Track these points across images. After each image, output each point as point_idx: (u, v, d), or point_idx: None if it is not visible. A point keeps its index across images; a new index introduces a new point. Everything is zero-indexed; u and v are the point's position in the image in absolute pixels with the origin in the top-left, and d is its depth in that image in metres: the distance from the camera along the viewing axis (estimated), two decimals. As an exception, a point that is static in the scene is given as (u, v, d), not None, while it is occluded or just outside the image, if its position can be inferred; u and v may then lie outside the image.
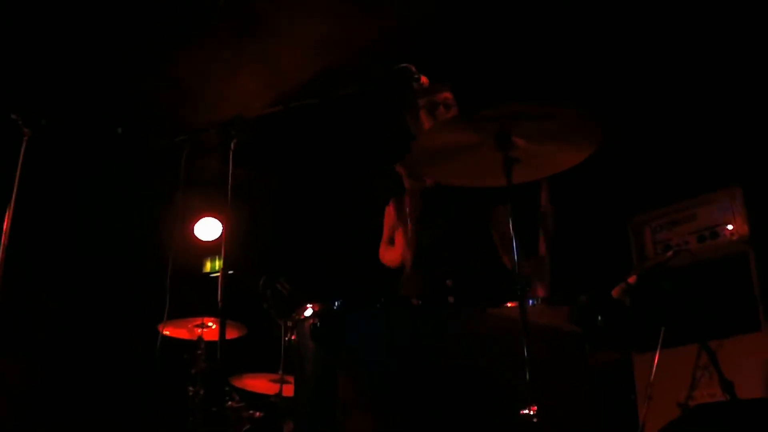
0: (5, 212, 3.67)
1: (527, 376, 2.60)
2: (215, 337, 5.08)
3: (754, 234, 4.85)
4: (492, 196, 3.93)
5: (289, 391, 4.33)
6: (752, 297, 4.71)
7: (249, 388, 4.94)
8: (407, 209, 3.94)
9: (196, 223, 7.03)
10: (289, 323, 3.63)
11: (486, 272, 3.66)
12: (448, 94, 3.98)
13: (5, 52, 5.68)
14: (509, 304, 3.00)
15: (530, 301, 2.93)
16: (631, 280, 3.96)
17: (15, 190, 3.72)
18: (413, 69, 3.27)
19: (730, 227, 4.99)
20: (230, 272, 3.42)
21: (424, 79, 3.31)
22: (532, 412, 2.58)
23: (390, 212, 4.14)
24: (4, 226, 3.64)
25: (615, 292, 3.96)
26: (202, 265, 6.96)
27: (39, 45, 5.70)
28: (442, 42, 5.21)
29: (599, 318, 2.97)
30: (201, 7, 5.33)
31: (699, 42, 5.04)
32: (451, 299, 3.46)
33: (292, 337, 3.54)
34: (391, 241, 4.08)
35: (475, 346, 2.88)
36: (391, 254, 4.06)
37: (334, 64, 5.11)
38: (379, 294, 3.13)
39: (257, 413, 4.49)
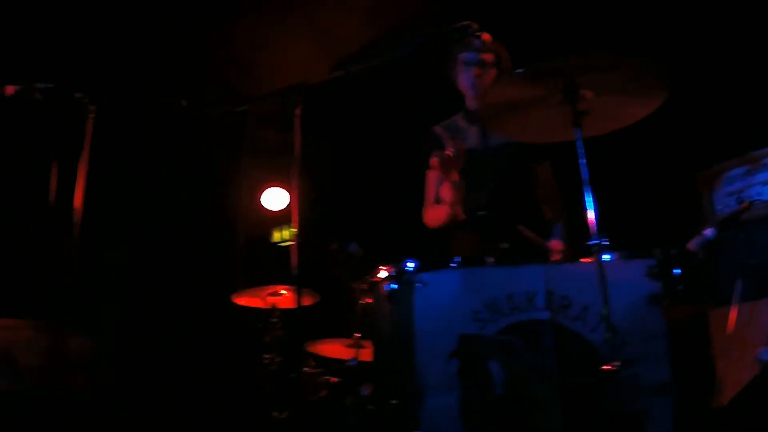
0: (76, 189, 3.75)
1: (606, 333, 2.61)
2: (288, 304, 5.14)
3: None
4: (534, 152, 3.94)
5: (365, 355, 4.36)
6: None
7: (325, 354, 4.98)
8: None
9: (261, 192, 7.08)
10: (364, 286, 3.67)
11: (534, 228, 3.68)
12: (490, 56, 3.96)
13: (66, 34, 5.79)
14: (584, 260, 2.99)
15: (607, 256, 2.90)
16: (707, 232, 3.91)
17: (84, 166, 3.79)
18: (475, 26, 3.22)
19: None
20: (300, 241, 3.44)
21: (486, 36, 3.27)
22: (612, 368, 2.59)
23: (431, 176, 4.13)
24: (76, 203, 3.72)
25: (690, 246, 3.91)
26: (270, 235, 7.02)
27: (98, 24, 5.78)
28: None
29: (675, 272, 2.95)
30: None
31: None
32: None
33: (367, 301, 3.57)
34: (438, 202, 4.07)
35: (554, 303, 2.90)
36: (437, 212, 4.06)
37: (388, 28, 5.08)
38: (444, 254, 3.15)
39: (334, 378, 4.53)
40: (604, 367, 2.59)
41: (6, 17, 5.72)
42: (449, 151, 3.67)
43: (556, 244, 3.87)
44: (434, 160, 3.78)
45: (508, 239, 3.51)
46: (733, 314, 4.34)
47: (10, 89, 3.97)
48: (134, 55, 5.95)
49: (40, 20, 5.79)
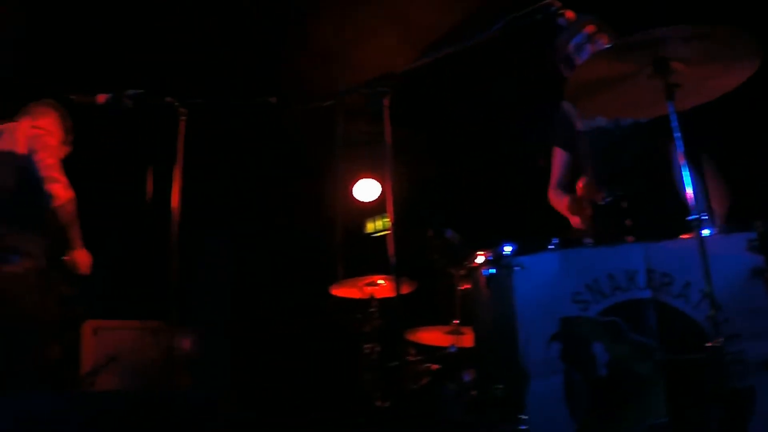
0: (173, 192, 3.86)
1: (710, 309, 2.57)
2: (386, 294, 5.18)
3: None
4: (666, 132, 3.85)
5: (465, 341, 4.38)
6: None
7: (424, 342, 5.01)
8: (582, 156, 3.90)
9: (354, 184, 7.15)
10: (462, 272, 3.69)
11: (667, 205, 3.58)
12: (591, 27, 3.89)
13: (156, 43, 5.96)
14: (684, 236, 2.94)
15: (708, 231, 2.84)
16: None
17: (179, 169, 3.90)
18: (557, 3, 3.18)
19: None
20: (396, 230, 3.46)
21: (569, 14, 3.20)
22: (717, 345, 2.54)
23: (558, 154, 4.10)
24: (173, 203, 3.83)
25: None
26: (363, 226, 7.08)
27: (183, 28, 5.93)
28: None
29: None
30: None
31: None
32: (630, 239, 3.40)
33: (466, 287, 3.59)
34: (562, 186, 4.03)
35: (655, 281, 2.86)
36: (558, 204, 4.05)
37: (471, 11, 5.05)
38: (549, 236, 3.13)
39: (434, 366, 4.54)
40: (709, 344, 2.54)
41: (94, 27, 5.93)
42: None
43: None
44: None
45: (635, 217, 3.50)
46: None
47: (101, 98, 4.12)
48: (221, 57, 6.09)
49: (127, 29, 5.98)
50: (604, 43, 3.84)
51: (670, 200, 3.54)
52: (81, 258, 4.44)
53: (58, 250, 4.36)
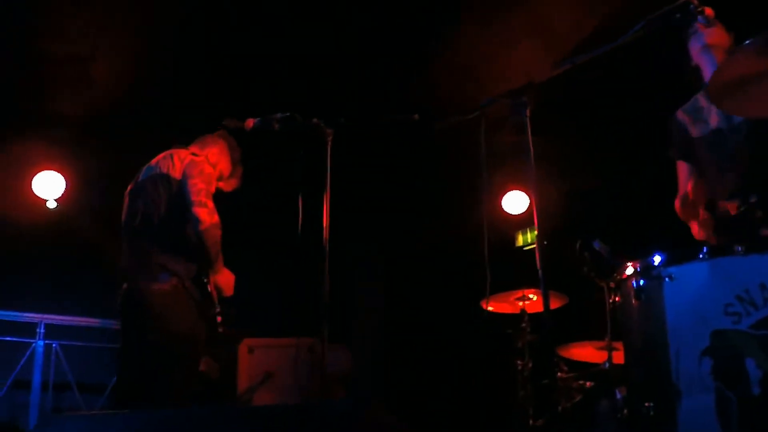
0: (323, 208, 3.97)
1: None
2: (537, 308, 5.14)
3: None
4: None
5: (618, 357, 4.26)
6: None
7: (576, 358, 4.92)
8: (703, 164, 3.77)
9: (503, 197, 7.14)
10: (612, 284, 3.59)
11: None
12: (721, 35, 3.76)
13: (302, 68, 6.16)
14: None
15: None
16: None
17: (327, 193, 4.01)
18: (695, 2, 3.11)
19: None
20: (545, 242, 3.43)
21: (708, 11, 3.14)
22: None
23: (681, 167, 3.95)
24: (324, 222, 3.94)
25: None
26: (514, 239, 7.05)
27: (325, 52, 6.10)
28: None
29: None
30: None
31: None
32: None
33: (616, 299, 3.50)
34: (686, 200, 3.89)
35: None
36: (686, 214, 3.92)
37: (610, 15, 4.94)
38: (699, 244, 3.03)
39: (587, 383, 4.46)
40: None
41: (241, 55, 6.19)
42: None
43: None
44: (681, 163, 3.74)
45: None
46: None
47: (249, 123, 4.28)
48: (363, 76, 6.21)
49: (275, 54, 6.20)
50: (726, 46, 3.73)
51: None
52: (224, 279, 4.59)
53: (204, 272, 4.53)
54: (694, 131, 3.86)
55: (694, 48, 3.81)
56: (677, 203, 3.99)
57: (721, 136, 3.75)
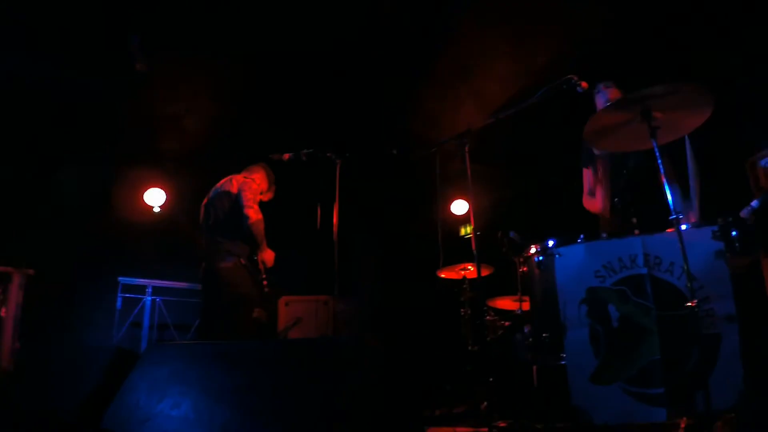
0: (334, 216, 3.99)
1: (688, 280, 2.47)
2: (473, 275, 5.11)
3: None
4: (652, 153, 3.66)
5: (526, 306, 4.30)
6: None
7: (499, 307, 4.94)
8: (600, 173, 3.79)
9: (450, 204, 7.18)
10: (521, 259, 3.64)
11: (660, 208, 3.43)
12: (614, 92, 3.77)
13: (314, 112, 6.16)
14: (669, 230, 2.82)
15: (684, 226, 2.72)
16: (753, 203, 3.53)
17: (336, 202, 4.02)
18: (575, 78, 3.13)
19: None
20: (478, 233, 3.46)
21: (584, 84, 3.15)
22: (694, 305, 2.44)
23: (586, 173, 3.98)
24: (334, 220, 3.95)
25: (743, 214, 3.54)
26: (458, 230, 7.06)
27: (341, 102, 6.10)
28: (599, 54, 4.87)
29: (733, 234, 2.72)
30: (426, 62, 5.44)
31: None
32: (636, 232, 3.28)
33: (524, 269, 3.54)
34: (591, 193, 3.92)
35: (650, 262, 2.76)
36: (592, 205, 3.89)
37: (525, 85, 4.97)
38: (578, 232, 3.07)
39: (506, 323, 4.48)
40: (688, 304, 2.44)
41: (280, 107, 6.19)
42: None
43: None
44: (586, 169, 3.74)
45: (640, 216, 3.37)
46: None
47: (286, 156, 4.29)
48: (361, 124, 6.21)
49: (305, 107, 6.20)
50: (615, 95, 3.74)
51: (658, 204, 3.39)
52: (267, 257, 4.55)
53: (254, 252, 4.52)
54: (596, 151, 3.87)
55: (600, 101, 3.81)
56: (584, 198, 3.97)
57: (611, 155, 3.77)
